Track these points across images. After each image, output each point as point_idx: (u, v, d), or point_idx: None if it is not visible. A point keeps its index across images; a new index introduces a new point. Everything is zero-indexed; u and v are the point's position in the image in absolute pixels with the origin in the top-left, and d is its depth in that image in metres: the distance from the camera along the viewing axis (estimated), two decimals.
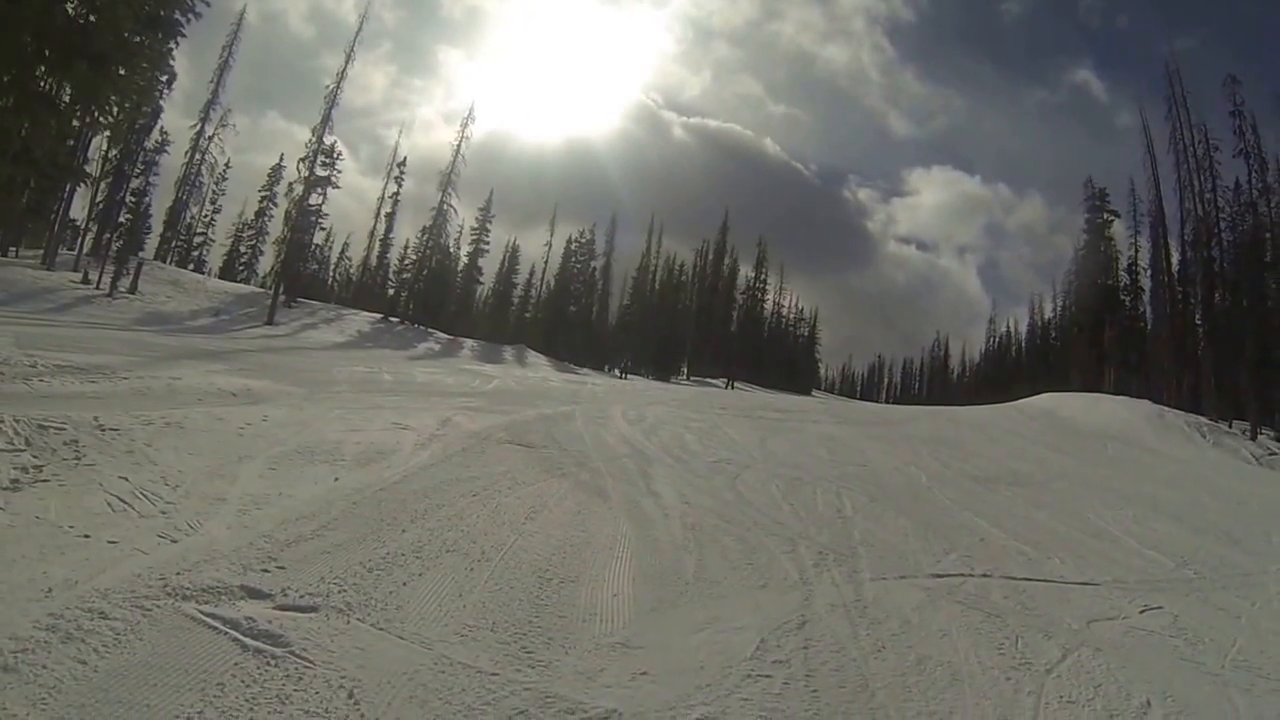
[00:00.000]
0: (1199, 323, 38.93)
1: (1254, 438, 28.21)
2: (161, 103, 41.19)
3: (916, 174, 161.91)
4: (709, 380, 52.66)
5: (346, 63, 44.98)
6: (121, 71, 14.17)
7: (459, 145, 52.21)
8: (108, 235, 41.28)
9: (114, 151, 41.08)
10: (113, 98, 14.66)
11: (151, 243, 48.14)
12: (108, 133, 29.73)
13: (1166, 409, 27.66)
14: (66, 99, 14.16)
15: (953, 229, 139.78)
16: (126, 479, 5.64)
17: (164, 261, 46.32)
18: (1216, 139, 37.97)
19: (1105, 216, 48.73)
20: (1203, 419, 27.70)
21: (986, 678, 4.26)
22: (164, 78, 31.36)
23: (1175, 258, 41.31)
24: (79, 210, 42.99)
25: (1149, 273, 44.91)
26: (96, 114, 15.43)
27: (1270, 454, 25.41)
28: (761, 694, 3.79)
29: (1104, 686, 4.29)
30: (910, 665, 4.31)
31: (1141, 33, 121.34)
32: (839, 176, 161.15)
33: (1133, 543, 7.97)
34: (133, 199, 43.90)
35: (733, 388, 46.30)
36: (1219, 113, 38.07)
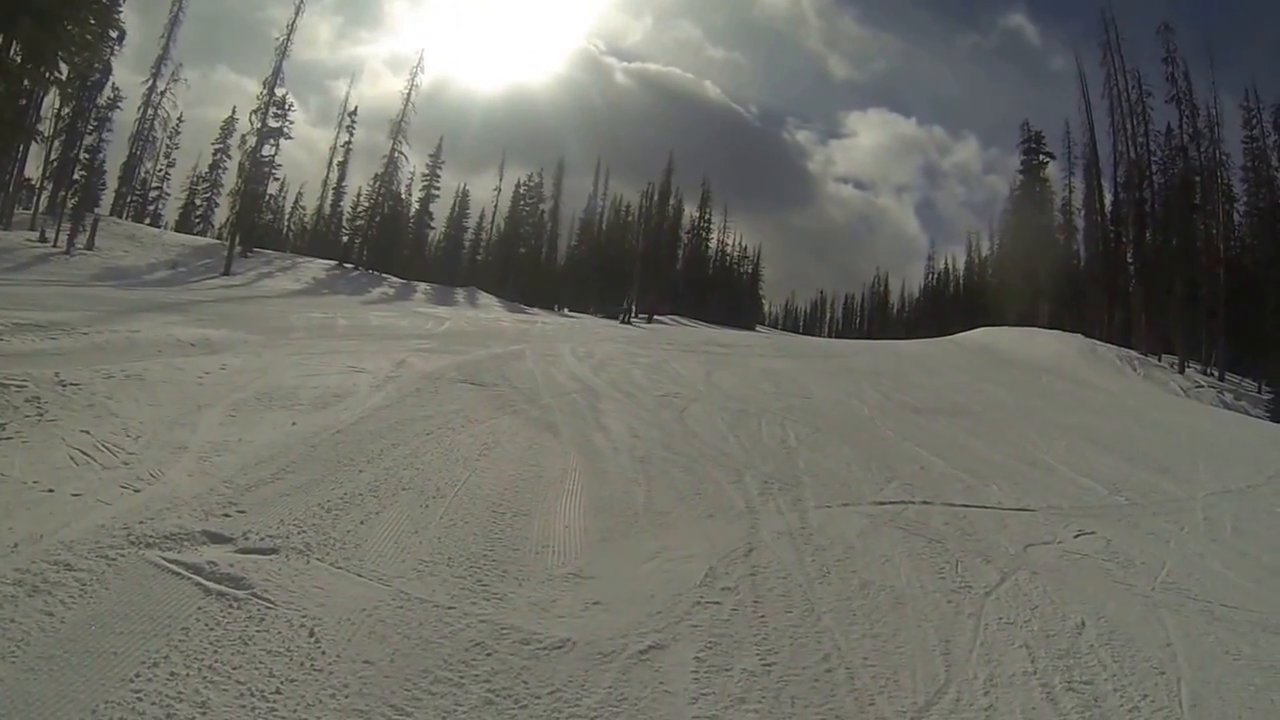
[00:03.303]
0: (1130, 261, 40.01)
1: (1182, 371, 29.16)
2: (112, 59, 40.54)
3: (854, 116, 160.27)
4: (657, 318, 52.45)
5: (296, 14, 44.11)
6: (69, 27, 13.63)
7: (409, 94, 51.47)
8: (63, 193, 40.49)
9: (66, 109, 40.07)
10: (60, 54, 14.13)
11: (107, 199, 47.45)
12: (57, 90, 28.87)
13: (1099, 343, 28.34)
14: (16, 58, 13.59)
15: (890, 169, 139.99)
16: (88, 432, 5.55)
17: (120, 217, 45.49)
18: (1149, 85, 39.05)
19: (1040, 159, 49.49)
20: (1133, 353, 28.49)
21: (928, 601, 4.38)
22: (114, 34, 30.46)
23: (1108, 199, 42.44)
24: (34, 169, 41.95)
25: (1082, 213, 45.81)
26: (45, 71, 14.86)
27: (1197, 386, 26.28)
28: (711, 620, 3.86)
29: (1040, 608, 4.44)
30: (854, 590, 4.42)
31: None
32: (778, 118, 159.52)
33: (1067, 471, 8.20)
34: (87, 156, 43.11)
35: (651, 320, 44.34)
36: (1152, 59, 39.03)
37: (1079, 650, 3.96)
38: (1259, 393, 29.13)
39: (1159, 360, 29.80)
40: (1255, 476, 9.17)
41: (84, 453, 5.18)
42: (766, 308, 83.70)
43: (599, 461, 6.53)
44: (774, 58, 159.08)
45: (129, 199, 50.74)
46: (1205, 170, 36.79)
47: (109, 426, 5.76)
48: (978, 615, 4.25)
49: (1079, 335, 29.35)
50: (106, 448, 5.33)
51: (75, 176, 41.55)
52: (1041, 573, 5.00)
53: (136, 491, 4.69)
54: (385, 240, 51.86)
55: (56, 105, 38.47)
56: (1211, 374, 30.81)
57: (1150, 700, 3.57)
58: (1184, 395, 24.15)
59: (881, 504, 6.19)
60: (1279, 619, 4.74)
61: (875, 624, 4.01)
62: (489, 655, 3.34)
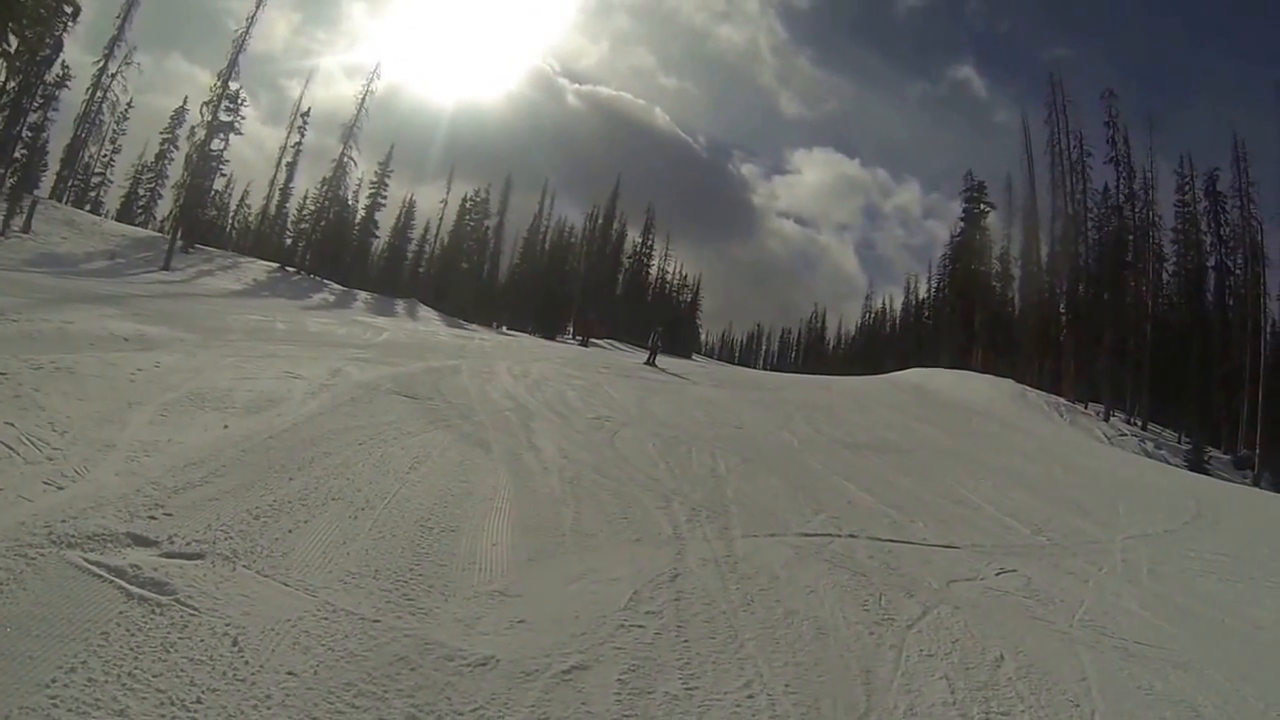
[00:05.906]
0: (1063, 312, 41.20)
1: (1107, 419, 29.98)
2: (64, 35, 38.57)
3: (799, 154, 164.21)
4: (594, 341, 52.26)
5: (257, 7, 43.37)
6: None
7: (363, 99, 51.11)
8: (1, 171, 38.66)
9: (12, 83, 38.25)
10: (11, 26, 13.77)
11: (47, 181, 45.87)
12: (4, 62, 27.99)
13: (1029, 388, 29.00)
14: None
15: (832, 208, 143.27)
16: (13, 424, 5.38)
17: (60, 201, 44.28)
18: (1090, 145, 40.82)
19: (982, 208, 50.78)
20: (1061, 400, 29.23)
21: (851, 632, 4.43)
22: (68, 9, 29.52)
23: (1044, 251, 43.66)
24: None
25: (1019, 263, 47.14)
26: None
27: (1121, 434, 26.98)
28: (634, 643, 3.88)
29: (961, 642, 4.52)
30: (778, 619, 4.46)
31: (1021, 38, 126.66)
32: (725, 150, 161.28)
33: (992, 510, 8.37)
34: (29, 134, 40.80)
35: (586, 343, 42.37)
36: (1094, 121, 40.95)
37: (997, 683, 4.04)
38: (1179, 443, 30.14)
39: (1086, 408, 30.65)
40: (1172, 522, 9.46)
41: (7, 446, 5.03)
42: (704, 337, 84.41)
43: (529, 481, 6.52)
44: (726, 90, 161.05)
45: (70, 183, 49.42)
46: (1138, 230, 38.55)
47: (35, 419, 5.61)
48: (899, 647, 4.31)
49: (1010, 380, 30.00)
50: (31, 441, 5.19)
51: (15, 155, 39.64)
52: (963, 608, 5.10)
53: (60, 489, 4.57)
54: (329, 246, 51.18)
55: (2, 78, 37.27)
56: (1135, 423, 31.80)
57: None
58: (1108, 442, 24.76)
59: (808, 535, 6.25)
60: (1189, 657, 4.91)
61: (798, 652, 4.05)
62: (413, 670, 3.32)
